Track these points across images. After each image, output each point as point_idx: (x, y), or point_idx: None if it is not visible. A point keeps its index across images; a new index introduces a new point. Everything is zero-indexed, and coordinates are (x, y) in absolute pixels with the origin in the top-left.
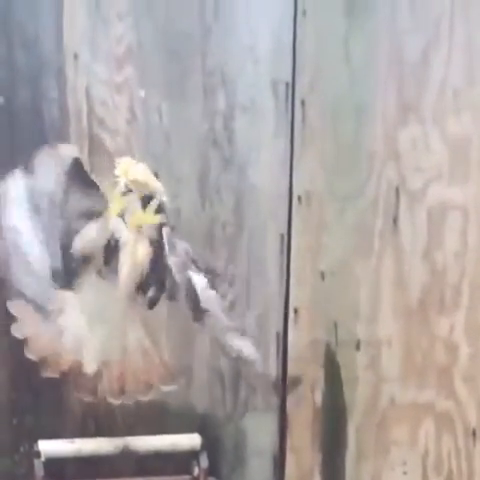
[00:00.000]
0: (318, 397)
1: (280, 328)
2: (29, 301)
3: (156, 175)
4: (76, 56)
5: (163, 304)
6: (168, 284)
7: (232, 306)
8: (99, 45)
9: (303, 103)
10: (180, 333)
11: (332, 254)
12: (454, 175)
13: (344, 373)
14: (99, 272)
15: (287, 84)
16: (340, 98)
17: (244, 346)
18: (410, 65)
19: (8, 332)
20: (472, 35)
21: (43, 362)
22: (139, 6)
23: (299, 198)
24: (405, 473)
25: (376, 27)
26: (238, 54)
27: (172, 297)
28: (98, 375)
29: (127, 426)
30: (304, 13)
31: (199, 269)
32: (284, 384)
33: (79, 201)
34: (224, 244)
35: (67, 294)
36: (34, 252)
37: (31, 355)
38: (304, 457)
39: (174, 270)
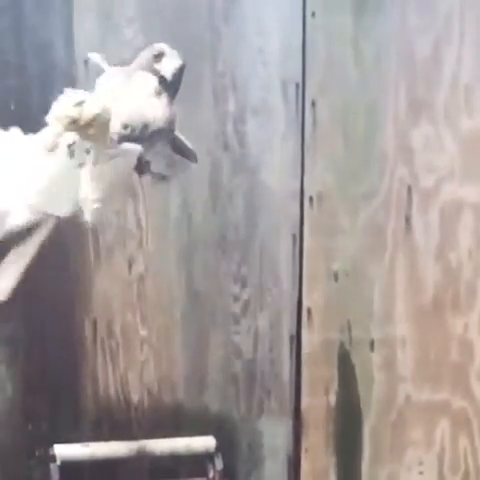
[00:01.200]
0: (332, 398)
1: (293, 329)
2: None
3: None
4: (86, 62)
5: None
6: None
7: (245, 307)
8: (109, 50)
9: (313, 104)
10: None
11: (345, 254)
12: (467, 173)
13: (358, 373)
14: None
15: (297, 85)
16: (351, 98)
17: None
18: (421, 64)
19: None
20: None
21: None
22: (148, 10)
23: (311, 199)
24: (421, 473)
25: (385, 26)
26: (248, 56)
27: None
28: None
29: (142, 429)
30: (313, 14)
31: None
32: (298, 385)
33: None
34: (237, 246)
35: None
36: None
37: None
38: (319, 458)
39: None
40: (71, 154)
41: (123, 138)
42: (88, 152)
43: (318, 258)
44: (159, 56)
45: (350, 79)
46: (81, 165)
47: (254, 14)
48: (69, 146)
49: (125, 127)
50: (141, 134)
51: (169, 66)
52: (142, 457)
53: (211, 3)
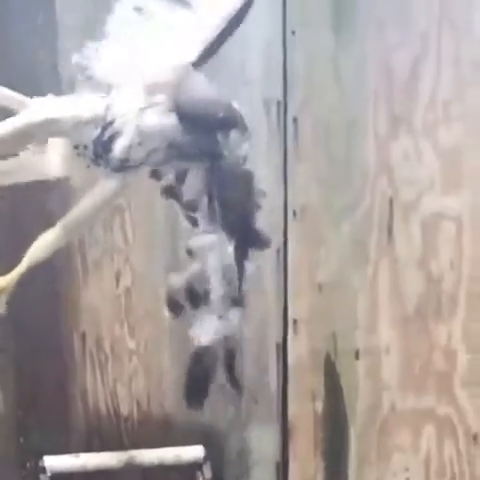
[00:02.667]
0: (319, 405)
1: (280, 339)
2: None
3: None
4: (71, 81)
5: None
6: None
7: None
8: None
9: (295, 120)
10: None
11: (329, 266)
12: (447, 185)
13: (344, 382)
14: None
15: (279, 103)
16: (331, 114)
17: None
18: (399, 79)
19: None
20: (459, 48)
21: None
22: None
23: (294, 212)
24: (408, 479)
25: (364, 44)
26: (231, 76)
27: None
28: None
29: (132, 440)
30: (293, 33)
31: None
32: (285, 394)
33: None
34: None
35: None
36: None
37: None
38: (307, 465)
39: None
40: None
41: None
42: None
43: (302, 270)
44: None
45: (330, 96)
46: None
47: (235, 34)
48: None
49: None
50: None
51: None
52: (132, 468)
53: None
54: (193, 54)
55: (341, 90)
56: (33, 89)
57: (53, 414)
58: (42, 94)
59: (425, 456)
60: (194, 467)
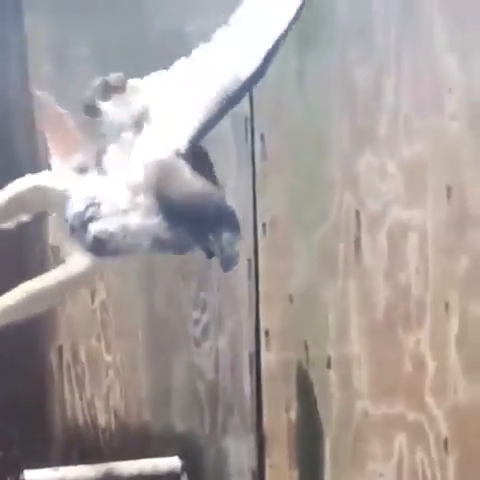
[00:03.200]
0: (293, 414)
1: (253, 350)
2: None
3: None
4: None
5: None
6: None
7: (206, 330)
8: (65, 89)
9: (262, 136)
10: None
11: (299, 278)
12: (411, 198)
13: (317, 391)
14: None
15: (246, 118)
16: (298, 129)
17: None
18: (362, 95)
19: None
20: (419, 64)
21: None
22: (102, 50)
23: (264, 225)
24: None
25: (327, 61)
26: None
27: None
28: None
29: (110, 452)
30: None
31: None
32: (260, 403)
33: None
34: (195, 273)
35: None
36: None
37: None
38: (283, 473)
39: None
40: None
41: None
42: None
43: (273, 281)
44: None
45: (296, 112)
46: None
47: None
48: None
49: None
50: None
51: None
52: (110, 479)
53: (162, 44)
54: (180, 144)
55: (306, 106)
56: None
57: (32, 428)
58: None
59: (398, 462)
60: (172, 477)
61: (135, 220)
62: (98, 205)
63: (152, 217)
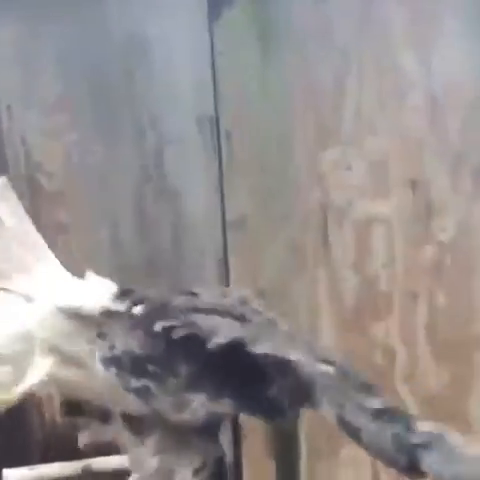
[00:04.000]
0: None
1: None
2: None
3: None
4: (9, 107)
5: None
6: None
7: None
8: (31, 94)
9: (228, 135)
10: None
11: (269, 274)
12: (376, 191)
13: None
14: None
15: (211, 118)
16: (263, 128)
17: None
18: (325, 93)
19: None
20: (380, 61)
21: None
22: (66, 56)
23: (232, 223)
24: (357, 469)
25: (289, 59)
26: (163, 95)
27: None
28: None
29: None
30: (221, 53)
31: None
32: None
33: None
34: (164, 272)
35: None
36: None
37: None
38: (259, 463)
39: None
40: None
41: None
42: None
43: (244, 279)
44: None
45: (261, 111)
46: None
47: (165, 55)
48: None
49: None
50: None
51: None
52: (88, 476)
53: (125, 47)
54: None
55: (270, 105)
56: None
57: (10, 427)
58: None
59: None
60: None
61: None
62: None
63: None
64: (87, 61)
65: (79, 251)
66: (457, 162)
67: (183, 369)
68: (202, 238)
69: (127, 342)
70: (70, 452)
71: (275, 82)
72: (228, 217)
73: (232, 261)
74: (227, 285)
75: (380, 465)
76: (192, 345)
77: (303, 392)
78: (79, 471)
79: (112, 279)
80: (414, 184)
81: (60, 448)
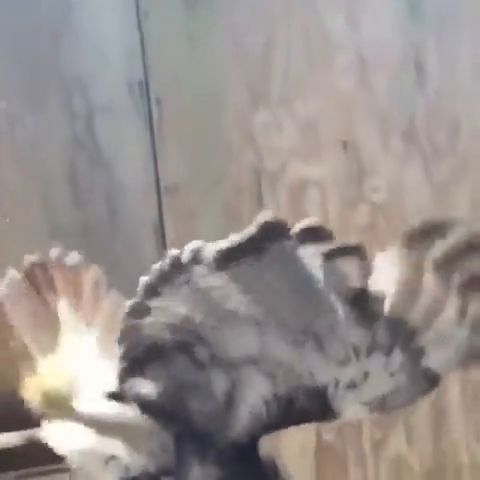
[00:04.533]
0: None
1: None
2: None
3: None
4: None
5: None
6: None
7: None
8: None
9: (158, 100)
10: None
11: (205, 238)
12: (308, 154)
13: None
14: None
15: (141, 83)
16: (193, 93)
17: None
18: (254, 57)
19: None
20: (307, 24)
21: None
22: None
23: (166, 189)
24: (301, 430)
25: (218, 24)
26: (91, 58)
27: None
28: None
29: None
30: (146, 14)
31: None
32: None
33: None
34: (100, 240)
35: None
36: None
37: None
38: None
39: None
40: None
41: None
42: None
43: (180, 244)
44: None
45: (190, 75)
46: None
47: (93, 16)
48: None
49: None
50: None
51: None
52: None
53: (49, 12)
54: None
55: (200, 68)
56: None
57: None
58: None
59: None
60: None
61: None
62: None
63: None
64: (11, 28)
65: (12, 220)
66: (387, 123)
67: None
68: (137, 204)
69: None
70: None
71: (204, 44)
72: (162, 183)
73: (168, 226)
74: (163, 250)
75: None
76: None
77: None
78: (28, 440)
79: (45, 246)
80: (345, 145)
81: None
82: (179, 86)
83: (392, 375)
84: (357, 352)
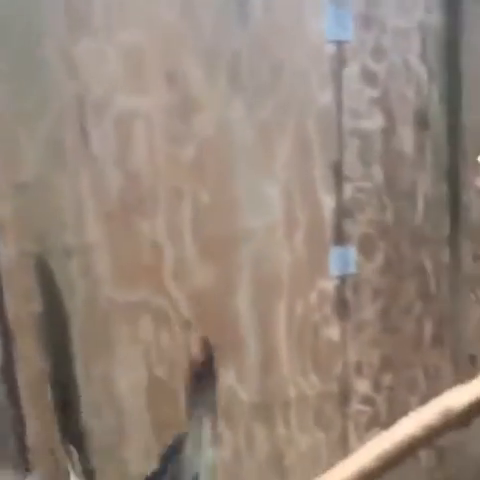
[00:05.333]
0: (38, 306)
1: None
2: None
3: None
4: None
5: None
6: None
7: None
8: None
9: None
10: None
11: (28, 169)
12: (134, 85)
13: (60, 281)
14: None
15: None
16: (12, 21)
17: None
18: None
19: None
20: None
21: None
22: None
23: None
24: (132, 368)
25: None
26: None
27: None
28: None
29: None
30: None
31: None
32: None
33: None
34: None
35: None
36: None
37: None
38: (33, 367)
39: None
40: None
41: None
42: None
43: (5, 173)
44: None
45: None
46: None
47: None
48: None
49: None
50: None
51: None
52: None
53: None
54: None
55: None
56: None
57: None
58: None
59: (145, 345)
60: None
61: None
62: None
63: None
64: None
65: None
66: (212, 57)
67: None
68: None
69: None
70: None
71: None
72: None
73: None
74: None
75: (154, 364)
76: None
77: None
78: None
79: None
80: (170, 79)
81: None
82: (3, 20)
83: None
84: None
